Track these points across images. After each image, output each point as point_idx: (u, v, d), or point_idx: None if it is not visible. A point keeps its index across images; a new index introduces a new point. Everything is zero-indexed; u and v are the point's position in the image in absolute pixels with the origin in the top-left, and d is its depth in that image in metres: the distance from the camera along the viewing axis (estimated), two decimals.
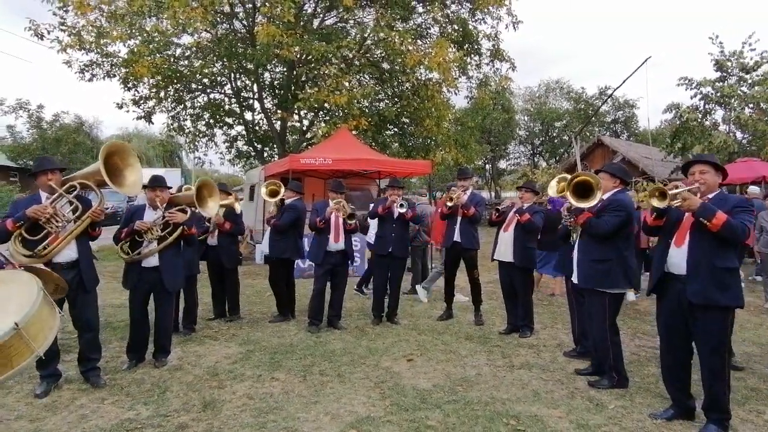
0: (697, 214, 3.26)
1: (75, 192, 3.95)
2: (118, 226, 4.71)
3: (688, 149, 14.54)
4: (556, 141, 35.41)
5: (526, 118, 35.86)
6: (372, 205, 6.57)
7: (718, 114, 15.49)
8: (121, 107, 14.76)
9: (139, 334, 4.67)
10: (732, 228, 3.16)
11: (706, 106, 15.14)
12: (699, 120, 14.90)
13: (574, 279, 4.41)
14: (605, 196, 4.18)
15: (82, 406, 3.75)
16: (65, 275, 3.86)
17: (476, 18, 14.98)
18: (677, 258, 3.44)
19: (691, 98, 15.20)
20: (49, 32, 12.87)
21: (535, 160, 36.27)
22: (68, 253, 3.95)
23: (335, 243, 5.97)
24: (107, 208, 4.22)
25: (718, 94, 14.64)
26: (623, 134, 33.89)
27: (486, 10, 14.49)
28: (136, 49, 12.36)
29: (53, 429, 3.38)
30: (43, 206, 3.79)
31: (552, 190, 5.42)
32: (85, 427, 3.42)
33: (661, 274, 3.54)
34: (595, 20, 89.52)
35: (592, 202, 4.06)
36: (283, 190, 6.39)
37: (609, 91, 27.98)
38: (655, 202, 3.48)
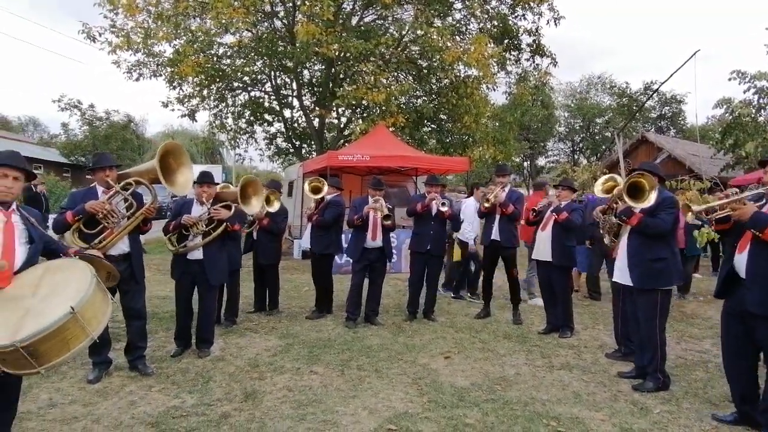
0: (747, 225, 3.16)
1: (131, 190, 4.12)
2: (167, 220, 4.90)
3: (740, 146, 13.87)
4: (597, 138, 34.44)
5: (566, 114, 35.03)
6: (410, 202, 6.55)
7: None
8: (166, 105, 15.22)
9: (184, 323, 4.87)
10: None
11: (761, 101, 14.39)
12: (752, 115, 14.18)
13: (623, 280, 4.27)
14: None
15: (131, 392, 3.92)
16: (117, 267, 4.03)
17: (516, 14, 14.71)
18: (740, 264, 3.34)
19: (744, 92, 14.48)
20: (100, 34, 13.41)
21: (575, 157, 35.40)
22: (121, 246, 4.15)
23: (372, 241, 6.01)
24: (165, 203, 4.40)
25: None
26: (669, 131, 32.66)
27: (527, 5, 14.21)
28: (181, 49, 12.71)
29: (104, 413, 3.54)
30: (101, 202, 3.98)
31: (597, 189, 5.28)
32: (134, 412, 3.56)
33: (725, 278, 3.45)
34: (641, 15, 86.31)
35: (647, 203, 3.94)
36: (326, 187, 6.45)
37: (655, 86, 27.02)
38: (689, 217, 3.51)
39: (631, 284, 4.17)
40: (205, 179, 4.85)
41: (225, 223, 4.76)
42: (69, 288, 2.62)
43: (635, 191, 4.02)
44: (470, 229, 7.49)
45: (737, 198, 3.31)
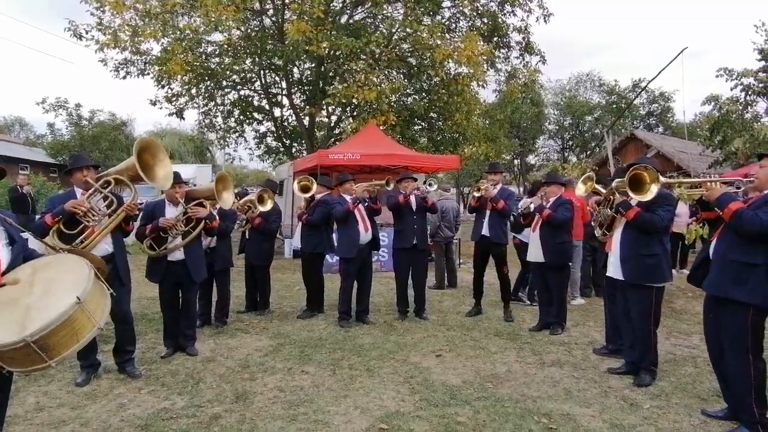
0: (713, 204, 3.32)
1: (109, 187, 4.05)
2: (138, 223, 4.77)
3: (728, 142, 14.03)
4: (587, 135, 34.62)
5: (556, 112, 35.17)
6: (388, 199, 6.44)
7: (761, 106, 14.90)
8: (154, 104, 15.10)
9: (174, 325, 4.85)
10: (740, 219, 3.12)
11: (748, 98, 14.56)
12: (740, 112, 14.35)
13: (616, 275, 4.28)
14: None
15: (120, 395, 3.88)
16: None
17: (505, 11, 14.77)
18: (712, 250, 3.44)
19: (732, 89, 14.66)
20: (86, 32, 13.26)
21: (565, 154, 35.58)
22: (104, 246, 4.07)
23: (365, 233, 5.99)
24: (141, 203, 4.32)
25: (761, 85, 14.07)
26: (658, 128, 32.93)
27: (516, 2, 14.27)
28: (169, 47, 12.60)
29: (93, 417, 3.50)
30: (80, 201, 3.91)
31: (579, 191, 5.30)
32: (124, 415, 3.53)
33: (699, 263, 3.58)
34: (631, 11, 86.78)
35: (648, 196, 3.89)
36: (315, 186, 6.42)
37: (643, 84, 27.21)
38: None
39: (623, 279, 4.19)
40: (175, 180, 4.69)
41: (204, 221, 4.75)
42: (67, 281, 2.59)
43: (636, 184, 3.97)
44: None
45: (711, 180, 3.47)
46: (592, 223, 4.82)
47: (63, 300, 2.45)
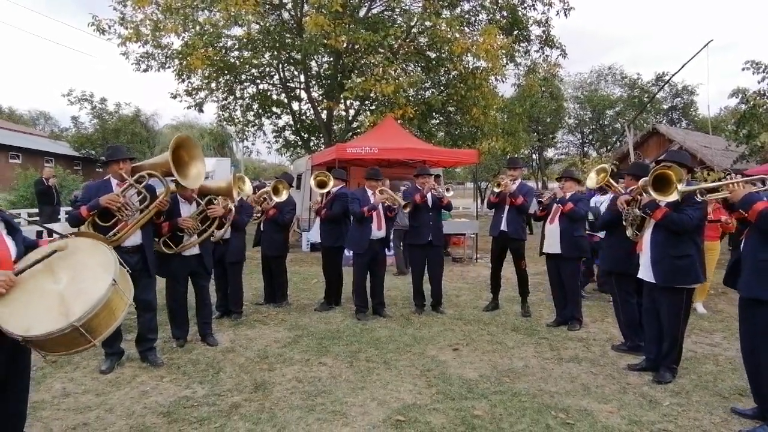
0: (737, 206, 3.28)
1: (144, 183, 4.15)
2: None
3: (754, 137, 13.68)
4: (607, 130, 34.10)
5: (575, 106, 34.68)
6: (404, 195, 6.40)
7: None
8: (174, 97, 15.32)
9: (185, 317, 4.97)
10: (765, 219, 3.08)
11: None
12: (767, 106, 13.98)
13: (647, 277, 4.14)
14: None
15: (142, 382, 3.97)
16: (130, 259, 4.10)
17: (525, 4, 14.59)
18: (742, 251, 3.38)
19: (759, 83, 14.28)
20: (109, 27, 13.46)
21: (585, 149, 35.09)
22: (134, 238, 4.18)
23: (378, 231, 6.03)
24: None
25: None
26: (681, 122, 32.28)
27: None
28: (190, 42, 12.73)
29: (117, 403, 3.59)
30: (116, 196, 4.03)
31: (591, 182, 5.19)
32: (146, 402, 3.62)
33: (732, 265, 3.52)
34: (654, 2, 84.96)
35: (672, 197, 3.73)
36: (332, 181, 6.45)
37: (666, 77, 26.65)
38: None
39: (654, 281, 4.05)
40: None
41: (219, 219, 4.87)
42: (93, 264, 2.66)
43: (661, 183, 3.77)
44: None
45: (736, 181, 3.39)
46: (624, 222, 4.56)
47: (99, 283, 2.56)
